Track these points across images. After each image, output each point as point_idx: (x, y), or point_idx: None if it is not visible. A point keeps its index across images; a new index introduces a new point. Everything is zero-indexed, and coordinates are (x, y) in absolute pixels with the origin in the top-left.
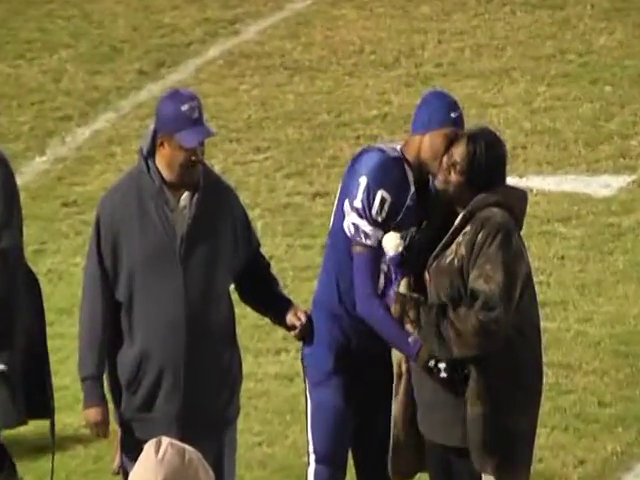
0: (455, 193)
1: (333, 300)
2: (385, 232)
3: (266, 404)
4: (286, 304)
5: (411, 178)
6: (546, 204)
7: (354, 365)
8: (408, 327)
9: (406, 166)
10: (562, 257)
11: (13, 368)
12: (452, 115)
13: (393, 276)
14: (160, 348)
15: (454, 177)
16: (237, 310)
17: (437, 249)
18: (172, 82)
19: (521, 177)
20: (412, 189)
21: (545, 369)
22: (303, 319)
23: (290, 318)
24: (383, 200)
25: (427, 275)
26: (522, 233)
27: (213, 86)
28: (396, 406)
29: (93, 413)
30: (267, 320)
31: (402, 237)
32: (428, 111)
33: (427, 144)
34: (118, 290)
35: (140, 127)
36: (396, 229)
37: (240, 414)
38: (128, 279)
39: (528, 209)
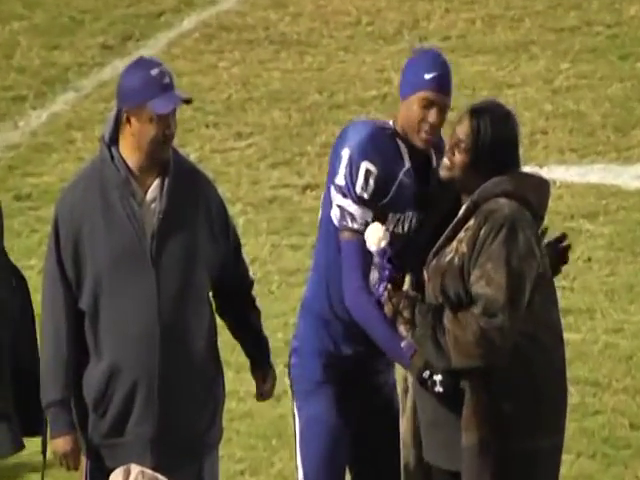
0: (461, 178)
1: (323, 303)
2: (375, 213)
3: (249, 427)
4: (259, 354)
5: (405, 152)
6: (570, 198)
7: (348, 375)
8: (402, 329)
9: (399, 140)
10: (588, 259)
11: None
12: (426, 77)
13: (382, 271)
14: (131, 363)
15: (458, 158)
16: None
17: (437, 245)
18: None
19: (541, 167)
20: (407, 164)
21: (569, 386)
22: (268, 390)
23: (258, 382)
24: (368, 173)
25: (425, 274)
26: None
27: (188, 63)
28: (403, 424)
29: (62, 443)
30: None
31: (387, 229)
32: (404, 74)
33: (403, 112)
34: (82, 298)
35: (104, 110)
36: (387, 210)
37: (217, 459)
38: (93, 285)
39: (549, 204)
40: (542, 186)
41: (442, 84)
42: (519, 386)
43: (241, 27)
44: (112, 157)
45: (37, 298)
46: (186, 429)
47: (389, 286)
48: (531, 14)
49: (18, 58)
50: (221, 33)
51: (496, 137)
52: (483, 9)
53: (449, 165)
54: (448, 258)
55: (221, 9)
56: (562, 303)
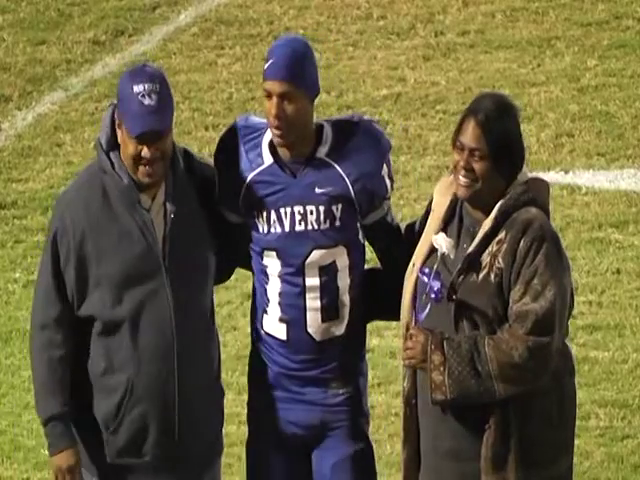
0: (485, 187)
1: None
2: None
3: None
4: None
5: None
6: (597, 205)
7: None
8: (434, 376)
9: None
10: (617, 271)
11: None
12: (265, 66)
13: (432, 294)
14: (148, 381)
15: (479, 167)
16: None
17: (460, 263)
18: (134, 55)
19: (566, 172)
20: (266, 162)
21: (596, 408)
22: None
23: None
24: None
25: (447, 296)
26: (568, 242)
27: (185, 60)
28: (406, 449)
29: (65, 458)
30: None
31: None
32: None
33: None
34: (88, 311)
35: (95, 110)
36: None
37: (221, 466)
38: (103, 299)
39: (575, 212)
40: (549, 190)
41: (273, 72)
42: (551, 410)
43: (242, 21)
44: (112, 164)
45: (22, 314)
46: (201, 444)
47: (413, 327)
48: (556, 7)
49: (1, 55)
50: (221, 27)
51: (507, 131)
52: (504, 2)
53: (469, 182)
54: (482, 275)
55: (221, 2)
56: (589, 319)
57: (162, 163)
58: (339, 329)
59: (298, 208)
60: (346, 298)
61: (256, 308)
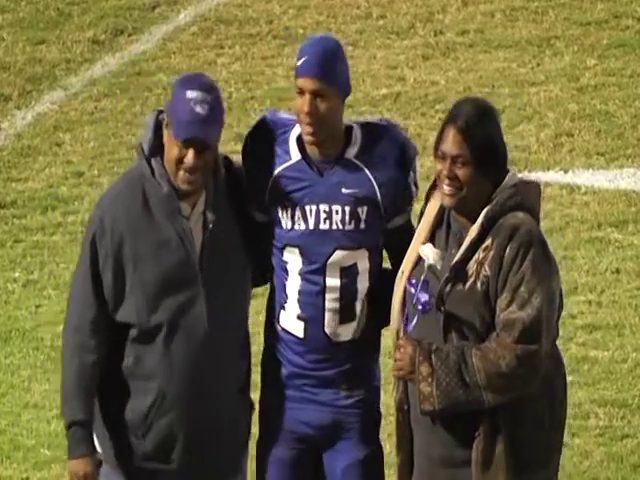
0: (471, 193)
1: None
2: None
3: None
4: None
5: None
6: (597, 205)
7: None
8: (422, 387)
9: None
10: (617, 270)
11: None
12: (297, 63)
13: (419, 306)
14: (181, 390)
15: (462, 173)
16: None
17: (448, 272)
18: (133, 54)
19: (566, 171)
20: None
21: (596, 408)
22: None
23: None
24: None
25: (435, 306)
26: (567, 242)
27: (185, 59)
28: (400, 455)
29: (82, 464)
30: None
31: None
32: None
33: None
34: (123, 316)
35: (94, 110)
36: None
37: (247, 475)
38: (139, 307)
39: (574, 211)
40: (539, 193)
41: (306, 69)
42: (543, 410)
43: (242, 20)
44: (152, 172)
45: (21, 313)
46: (228, 454)
47: (402, 338)
48: (555, 6)
49: (1, 54)
50: (220, 27)
51: (488, 135)
52: (503, 1)
53: (453, 190)
54: (469, 284)
55: (220, 1)
56: (588, 318)
57: (202, 173)
58: (355, 332)
59: (324, 207)
60: (364, 301)
61: (274, 304)
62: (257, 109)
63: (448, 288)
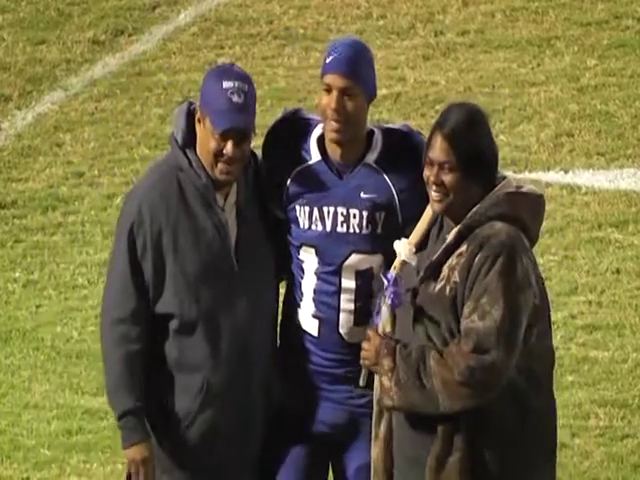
0: (458, 199)
1: None
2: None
3: None
4: None
5: (310, 146)
6: (597, 205)
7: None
8: (383, 380)
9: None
10: (617, 270)
11: None
12: (326, 61)
13: (391, 299)
14: (227, 382)
15: (449, 179)
16: None
17: (423, 271)
18: (134, 54)
19: (566, 171)
20: (310, 158)
21: (596, 408)
22: None
23: None
24: None
25: (410, 300)
26: (567, 242)
27: (185, 59)
28: (375, 451)
29: (139, 450)
30: None
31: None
32: None
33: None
34: (163, 307)
35: (95, 110)
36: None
37: None
38: (180, 297)
39: (575, 211)
40: (538, 205)
41: (338, 65)
42: (511, 428)
43: (242, 21)
44: (190, 162)
45: (22, 313)
46: (257, 448)
47: (371, 329)
48: (555, 7)
49: (1, 54)
50: (220, 27)
51: (475, 141)
52: (504, 1)
53: (441, 196)
54: (439, 287)
55: (220, 1)
56: (589, 319)
57: (241, 164)
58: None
59: (341, 209)
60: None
61: (290, 301)
62: (257, 109)
63: (423, 286)
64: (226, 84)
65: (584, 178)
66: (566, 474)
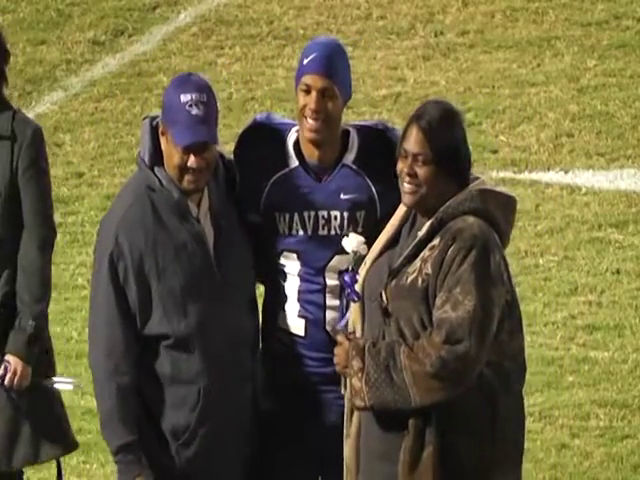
0: (430, 193)
1: None
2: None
3: None
4: None
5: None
6: (597, 206)
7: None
8: (354, 382)
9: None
10: (617, 271)
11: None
12: (304, 62)
13: (350, 296)
14: (221, 386)
15: (422, 172)
16: None
17: (397, 263)
18: (134, 55)
19: (566, 172)
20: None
21: (596, 408)
22: None
23: None
24: None
25: (383, 296)
26: (567, 242)
27: (185, 60)
28: (347, 449)
29: None
30: None
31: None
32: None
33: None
34: (153, 328)
35: (94, 110)
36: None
37: None
38: (167, 313)
39: (575, 212)
40: (509, 204)
41: (316, 66)
42: (481, 424)
43: (242, 21)
44: (160, 181)
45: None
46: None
47: (339, 333)
48: (555, 7)
49: None
50: (221, 27)
51: (451, 135)
52: (504, 1)
53: (413, 188)
54: (411, 279)
55: (221, 2)
56: (589, 319)
57: (207, 172)
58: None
59: (322, 213)
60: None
61: (272, 305)
62: (257, 109)
63: (393, 282)
64: (184, 97)
65: (584, 178)
66: (566, 474)
